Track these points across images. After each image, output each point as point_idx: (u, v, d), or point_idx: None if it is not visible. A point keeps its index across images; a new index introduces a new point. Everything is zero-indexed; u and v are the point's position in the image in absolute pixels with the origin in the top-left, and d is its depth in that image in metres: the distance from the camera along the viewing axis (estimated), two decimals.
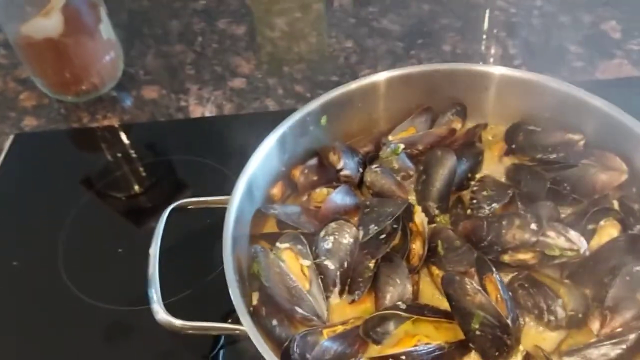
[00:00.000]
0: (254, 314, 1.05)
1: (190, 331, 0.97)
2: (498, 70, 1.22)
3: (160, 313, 0.96)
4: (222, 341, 1.15)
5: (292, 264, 1.09)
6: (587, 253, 0.98)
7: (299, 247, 1.09)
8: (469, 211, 1.15)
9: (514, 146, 1.24)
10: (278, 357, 0.96)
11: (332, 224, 1.10)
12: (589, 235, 1.04)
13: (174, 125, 1.54)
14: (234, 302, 0.93)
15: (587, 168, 1.12)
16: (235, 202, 1.08)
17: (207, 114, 1.55)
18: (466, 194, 1.19)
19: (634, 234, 0.99)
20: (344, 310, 1.08)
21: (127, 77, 1.66)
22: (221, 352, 1.15)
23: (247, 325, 0.91)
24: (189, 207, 1.11)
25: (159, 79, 1.65)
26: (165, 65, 1.69)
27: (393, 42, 1.66)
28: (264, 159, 1.16)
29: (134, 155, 1.51)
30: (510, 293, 0.99)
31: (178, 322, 0.96)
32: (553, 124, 1.20)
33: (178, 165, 1.47)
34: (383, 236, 1.10)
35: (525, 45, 1.62)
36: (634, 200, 1.10)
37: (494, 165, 1.25)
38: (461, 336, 0.98)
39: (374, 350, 1.01)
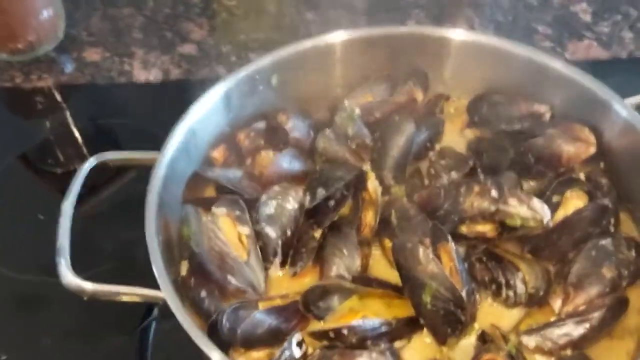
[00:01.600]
0: (182, 286, 0.93)
1: (103, 297, 0.85)
2: (460, 34, 1.13)
3: (68, 276, 0.84)
4: (154, 314, 1.03)
5: (228, 232, 0.97)
6: (551, 224, 0.90)
7: (237, 213, 0.98)
8: (426, 181, 1.06)
9: (476, 119, 1.16)
10: (205, 331, 0.86)
11: (276, 187, 0.99)
12: (553, 208, 0.95)
13: (115, 89, 1.41)
14: (153, 263, 0.82)
15: (553, 138, 1.03)
16: (166, 158, 0.96)
17: (152, 79, 1.43)
18: (424, 165, 1.10)
19: (602, 203, 0.92)
20: (285, 285, 0.97)
21: (68, 38, 1.52)
22: (152, 327, 1.03)
23: (165, 290, 0.80)
24: (112, 163, 0.99)
25: (103, 42, 1.52)
26: (111, 28, 1.56)
27: (356, 16, 1.58)
28: (205, 114, 1.04)
29: (69, 118, 1.38)
30: (466, 265, 0.90)
31: (89, 286, 0.84)
32: (518, 95, 1.11)
33: (117, 130, 1.35)
34: (332, 203, 1.00)
35: (492, 24, 1.55)
36: (602, 176, 1.03)
37: (456, 139, 1.16)
38: (412, 314, 0.89)
39: (316, 327, 0.90)
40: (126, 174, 1.25)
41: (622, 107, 0.99)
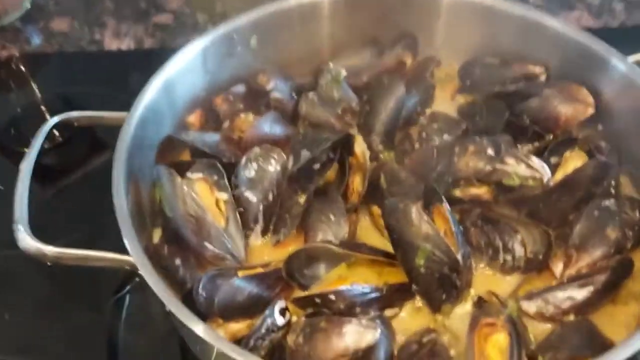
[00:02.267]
0: (154, 254, 0.85)
1: (67, 262, 0.77)
2: None
3: (26, 240, 0.76)
4: (126, 288, 0.96)
5: (205, 197, 0.90)
6: (551, 183, 0.84)
7: (215, 177, 0.91)
8: (417, 145, 1.00)
9: (468, 83, 1.10)
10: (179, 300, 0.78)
11: (256, 149, 0.92)
12: (552, 170, 0.89)
13: (85, 58, 1.34)
14: (120, 226, 0.74)
15: (549, 99, 0.98)
16: (136, 117, 0.88)
17: (125, 49, 1.35)
18: (414, 130, 1.03)
19: (604, 160, 0.86)
20: (267, 254, 0.90)
21: (35, 8, 1.44)
22: (125, 302, 0.95)
23: (134, 253, 0.72)
24: (77, 122, 0.91)
25: (72, 11, 1.44)
26: None
27: None
28: (180, 72, 0.97)
29: (36, 90, 1.29)
30: (461, 227, 0.84)
31: (50, 250, 0.76)
32: (513, 55, 1.06)
33: (88, 100, 1.25)
34: (317, 166, 0.92)
35: None
36: (601, 138, 0.97)
37: (447, 105, 1.09)
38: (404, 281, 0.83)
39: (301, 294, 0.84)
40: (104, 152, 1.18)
41: (621, 62, 0.94)
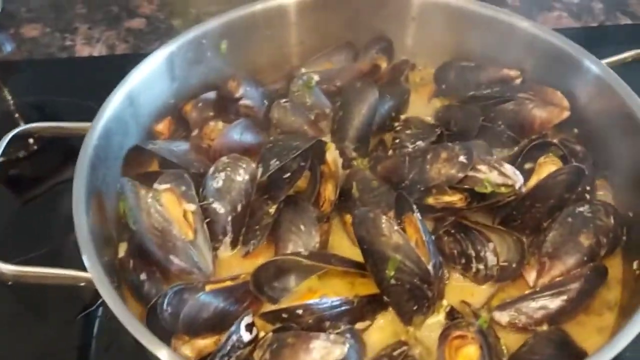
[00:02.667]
0: (119, 268, 0.84)
1: (27, 280, 0.75)
2: None
3: None
4: (99, 302, 0.92)
5: (172, 209, 0.87)
6: (524, 189, 0.83)
7: (183, 188, 0.88)
8: (390, 152, 0.98)
9: (444, 86, 1.08)
10: (144, 317, 0.76)
11: (224, 159, 0.90)
12: (526, 175, 0.88)
13: (55, 64, 1.31)
14: (78, 240, 0.72)
15: (524, 103, 0.96)
16: (98, 129, 0.86)
17: (96, 55, 1.32)
18: (389, 136, 1.02)
19: (577, 165, 0.84)
20: (237, 266, 0.88)
21: (5, 14, 1.41)
22: (98, 315, 0.92)
23: (92, 270, 0.70)
24: (38, 134, 0.89)
25: (43, 17, 1.41)
26: (52, 3, 1.45)
27: None
28: (145, 82, 0.94)
29: (7, 96, 1.26)
30: (433, 237, 0.82)
31: (8, 269, 0.73)
32: (487, 59, 1.04)
33: (58, 107, 1.23)
34: (287, 175, 0.90)
35: None
36: (576, 143, 0.96)
37: (422, 109, 1.08)
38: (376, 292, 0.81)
39: (269, 309, 0.81)
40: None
41: (596, 66, 0.92)
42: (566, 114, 0.96)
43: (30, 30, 1.39)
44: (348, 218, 0.90)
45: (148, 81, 0.94)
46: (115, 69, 1.26)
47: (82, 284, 0.72)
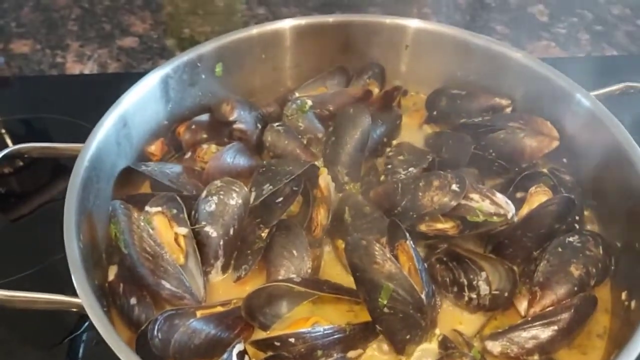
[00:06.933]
0: (109, 292, 0.82)
1: (15, 305, 0.73)
2: (416, 23, 1.07)
3: None
4: (85, 326, 0.91)
5: (164, 232, 0.86)
6: (516, 219, 0.83)
7: (174, 211, 0.87)
8: (382, 177, 0.98)
9: (435, 113, 1.10)
10: (133, 343, 0.75)
11: (217, 182, 0.89)
12: (517, 205, 0.89)
13: (45, 81, 1.30)
14: (70, 265, 0.71)
15: (514, 132, 0.98)
16: (91, 150, 0.85)
17: (88, 73, 1.31)
18: (381, 162, 1.03)
19: (567, 196, 0.85)
20: (228, 291, 0.87)
21: None
22: (83, 339, 0.90)
23: (83, 295, 0.69)
24: (28, 154, 0.87)
25: (34, 33, 1.40)
26: (44, 19, 1.44)
27: (309, 12, 1.51)
28: (139, 103, 0.94)
29: None
30: (425, 265, 0.82)
31: None
32: (479, 87, 1.06)
33: (48, 126, 1.22)
34: (279, 200, 0.90)
35: (450, 23, 1.51)
36: (565, 173, 0.98)
37: (414, 134, 1.09)
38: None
39: (261, 336, 0.80)
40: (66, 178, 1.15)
41: (585, 98, 0.94)
42: (556, 143, 0.98)
43: (20, 45, 1.38)
44: (340, 243, 0.90)
45: (142, 102, 0.94)
46: (106, 87, 1.26)
47: (73, 310, 0.71)
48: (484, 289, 0.81)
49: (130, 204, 0.88)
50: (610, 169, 0.92)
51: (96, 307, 0.68)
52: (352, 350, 0.78)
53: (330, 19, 1.08)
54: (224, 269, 0.87)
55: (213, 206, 0.87)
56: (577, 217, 0.91)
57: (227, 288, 0.87)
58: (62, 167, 1.17)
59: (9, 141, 1.22)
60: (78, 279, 0.70)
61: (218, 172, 0.93)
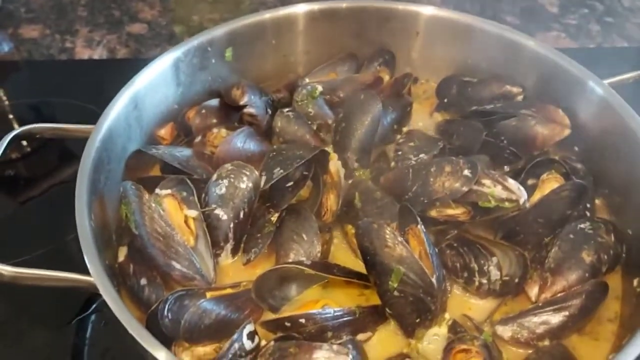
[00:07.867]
0: (119, 272, 0.83)
1: (25, 282, 0.73)
2: (429, 10, 1.07)
3: None
4: (92, 307, 0.91)
5: (174, 214, 0.86)
6: (527, 205, 0.83)
7: (184, 194, 0.88)
8: (392, 164, 0.98)
9: (446, 100, 1.09)
10: (143, 323, 0.75)
11: (228, 165, 0.89)
12: (529, 192, 0.88)
13: (55, 66, 1.30)
14: (82, 244, 0.71)
15: (526, 119, 0.97)
16: (102, 131, 0.85)
17: (97, 58, 1.31)
18: (391, 148, 1.02)
19: (580, 182, 0.85)
20: (238, 274, 0.87)
21: (4, 14, 1.40)
22: (90, 320, 0.91)
23: (95, 274, 0.69)
24: (40, 135, 0.87)
25: (43, 18, 1.40)
26: (53, 4, 1.44)
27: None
28: (151, 85, 0.94)
29: (2, 95, 1.25)
30: (436, 250, 0.82)
31: (6, 270, 0.72)
32: (490, 75, 1.06)
33: (57, 109, 1.23)
34: (290, 184, 0.90)
35: None
36: (576, 161, 0.97)
37: (424, 122, 1.09)
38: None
39: (271, 317, 0.80)
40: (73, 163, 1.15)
41: (598, 86, 0.94)
42: (567, 131, 0.97)
43: (29, 30, 1.38)
44: (350, 229, 0.90)
45: (153, 85, 0.94)
46: (115, 72, 1.26)
47: (83, 286, 0.71)
48: (494, 274, 0.81)
49: (140, 185, 0.88)
50: (621, 158, 0.91)
51: (107, 285, 0.68)
52: (361, 332, 0.78)
53: (343, 4, 1.08)
54: (234, 252, 0.87)
55: (223, 189, 0.87)
56: (588, 205, 0.90)
57: (236, 271, 0.87)
58: (69, 152, 1.18)
59: (15, 124, 1.23)
60: (90, 256, 0.70)
61: (228, 156, 0.93)
